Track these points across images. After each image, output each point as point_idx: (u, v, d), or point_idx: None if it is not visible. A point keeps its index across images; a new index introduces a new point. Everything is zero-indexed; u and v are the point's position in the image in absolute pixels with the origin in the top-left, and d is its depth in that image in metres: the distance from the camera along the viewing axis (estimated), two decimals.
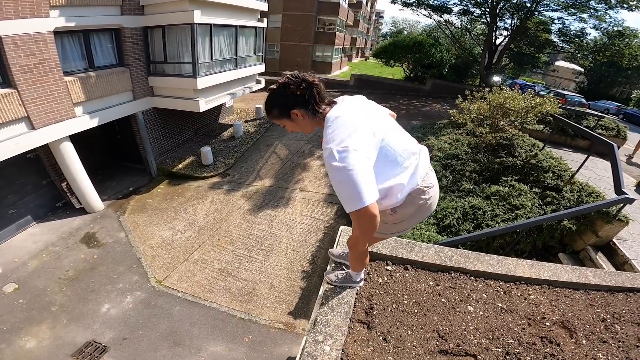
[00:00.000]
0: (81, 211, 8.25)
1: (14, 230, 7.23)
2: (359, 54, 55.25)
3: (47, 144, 7.02)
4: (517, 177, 6.83)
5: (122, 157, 10.74)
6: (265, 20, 12.06)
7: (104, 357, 4.88)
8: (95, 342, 5.10)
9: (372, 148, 1.35)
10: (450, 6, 19.66)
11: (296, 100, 1.42)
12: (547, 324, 2.10)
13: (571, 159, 8.53)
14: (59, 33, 6.72)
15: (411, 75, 21.80)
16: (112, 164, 10.72)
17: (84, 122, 7.61)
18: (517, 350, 1.89)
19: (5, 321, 5.30)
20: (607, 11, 16.11)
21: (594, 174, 8.17)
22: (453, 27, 21.37)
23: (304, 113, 1.45)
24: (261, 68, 12.78)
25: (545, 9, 17.18)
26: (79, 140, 7.79)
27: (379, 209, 1.57)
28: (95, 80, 7.66)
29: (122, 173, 10.31)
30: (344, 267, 2.34)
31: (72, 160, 7.57)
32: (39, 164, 7.60)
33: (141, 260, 6.80)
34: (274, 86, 1.47)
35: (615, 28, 17.19)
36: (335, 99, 1.53)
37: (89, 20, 7.24)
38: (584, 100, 21.97)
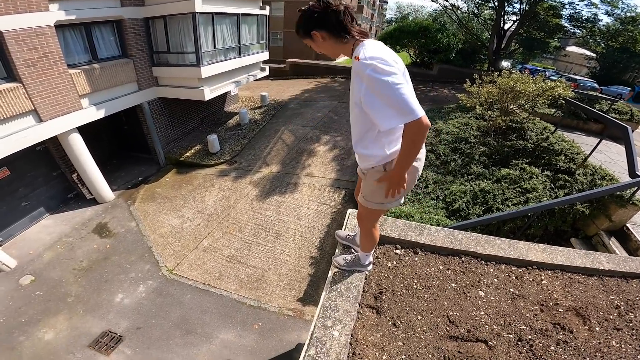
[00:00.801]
0: (92, 202, 8.39)
1: (27, 223, 7.38)
2: None
3: (55, 136, 7.10)
4: (528, 160, 6.68)
5: (130, 147, 10.83)
6: (267, 7, 11.87)
7: (120, 346, 5.00)
8: (110, 332, 5.22)
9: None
10: None
11: (317, 22, 1.50)
12: (560, 310, 2.06)
13: (583, 142, 8.32)
14: (60, 26, 6.70)
15: (417, 60, 21.33)
16: (120, 154, 10.82)
17: (90, 113, 7.65)
18: (530, 337, 1.87)
19: (24, 313, 5.45)
20: None
21: (607, 157, 7.97)
22: (460, 12, 20.71)
23: (325, 35, 1.51)
24: (265, 56, 12.65)
25: None
26: (87, 131, 7.85)
27: (386, 158, 1.58)
28: (99, 72, 7.67)
29: (131, 163, 10.41)
30: (352, 250, 2.32)
31: (81, 152, 7.66)
32: (49, 156, 7.70)
33: (152, 249, 6.91)
34: (303, 7, 1.53)
35: (629, 14, 16.62)
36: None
37: (89, 13, 7.20)
38: (596, 85, 21.48)
